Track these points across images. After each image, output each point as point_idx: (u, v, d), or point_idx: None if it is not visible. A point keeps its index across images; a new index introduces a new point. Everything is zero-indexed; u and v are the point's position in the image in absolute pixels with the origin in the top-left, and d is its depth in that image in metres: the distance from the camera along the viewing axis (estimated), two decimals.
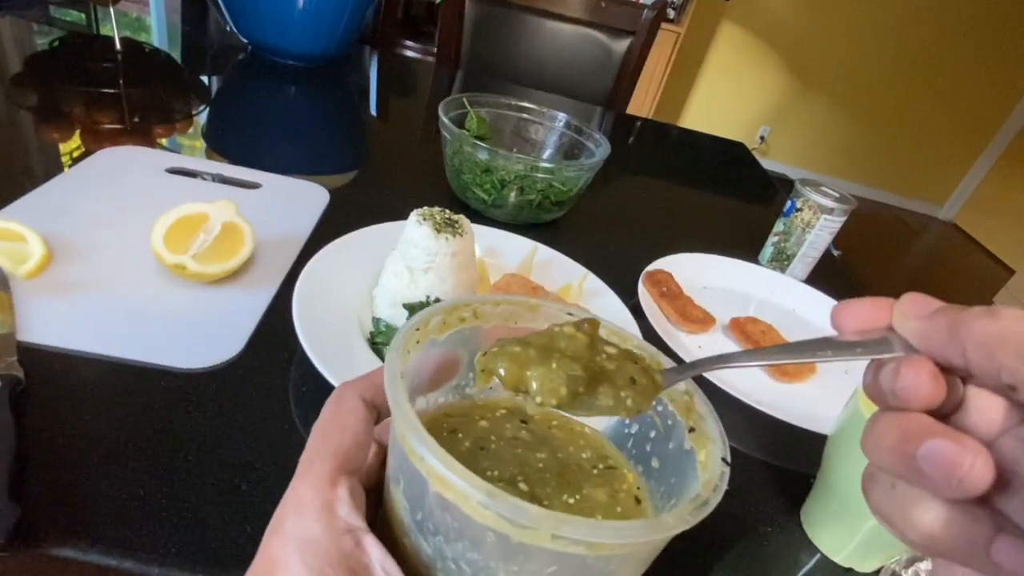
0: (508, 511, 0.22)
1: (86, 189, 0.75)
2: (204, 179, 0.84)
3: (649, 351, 0.33)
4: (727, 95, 4.40)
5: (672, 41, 3.47)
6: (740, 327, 0.81)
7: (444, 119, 0.91)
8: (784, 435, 0.67)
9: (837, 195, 0.97)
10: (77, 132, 0.91)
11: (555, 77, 1.88)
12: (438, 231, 0.58)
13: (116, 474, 0.46)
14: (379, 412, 0.31)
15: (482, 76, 1.80)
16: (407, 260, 0.60)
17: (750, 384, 0.73)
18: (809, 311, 0.92)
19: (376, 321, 0.60)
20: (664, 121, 1.86)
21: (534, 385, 0.27)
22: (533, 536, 0.23)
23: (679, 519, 0.24)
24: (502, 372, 0.28)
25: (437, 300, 0.59)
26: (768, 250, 1.03)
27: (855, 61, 4.19)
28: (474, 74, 1.79)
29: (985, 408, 0.21)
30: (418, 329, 0.31)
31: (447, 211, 0.62)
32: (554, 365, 0.28)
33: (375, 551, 0.26)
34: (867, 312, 0.25)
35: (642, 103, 3.63)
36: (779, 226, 1.02)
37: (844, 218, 0.97)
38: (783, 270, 1.02)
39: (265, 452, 0.50)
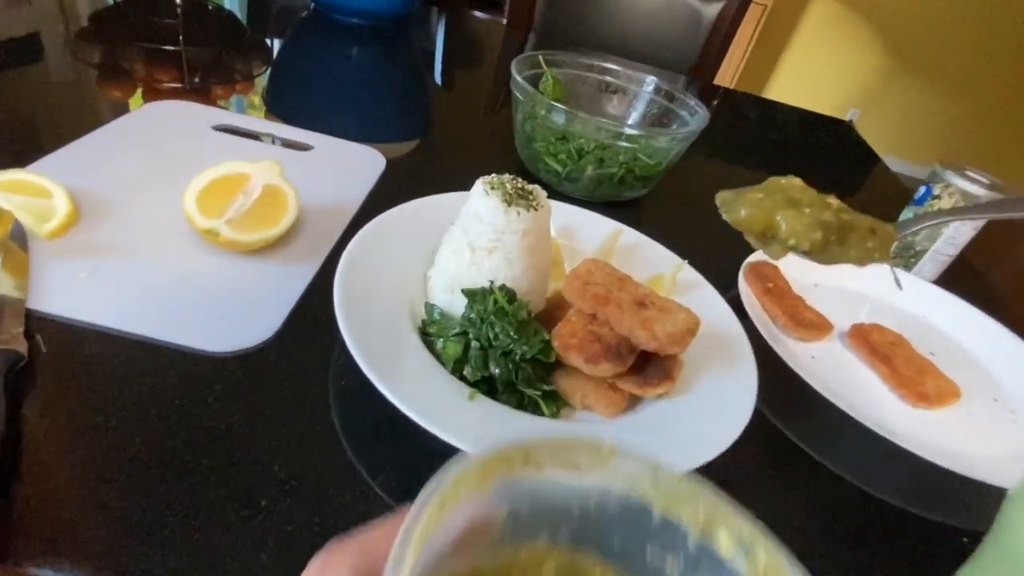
0: None
1: (125, 145, 0.69)
2: (252, 138, 0.77)
3: None
4: (814, 73, 4.04)
5: (759, 12, 3.20)
6: (864, 336, 0.66)
7: (517, 78, 0.80)
8: (923, 476, 0.54)
9: (987, 181, 0.80)
10: (139, 90, 0.85)
11: (636, 44, 1.72)
12: (508, 203, 0.48)
13: (116, 478, 0.38)
14: None
15: (556, 41, 1.66)
16: (469, 236, 0.50)
17: (882, 412, 0.59)
18: (943, 319, 0.76)
19: (430, 308, 0.51)
20: (736, 89, 1.67)
21: (784, 226, 0.27)
22: None
23: None
24: (745, 214, 0.27)
25: (503, 288, 0.49)
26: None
27: (959, 39, 3.74)
28: (547, 39, 1.66)
29: None
30: (442, 500, 0.19)
31: (520, 180, 0.51)
32: (806, 210, 0.27)
33: None
34: None
35: (722, 77, 3.38)
36: (907, 215, 0.85)
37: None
38: (909, 268, 0.86)
39: (294, 459, 0.42)
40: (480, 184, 0.50)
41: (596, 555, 0.22)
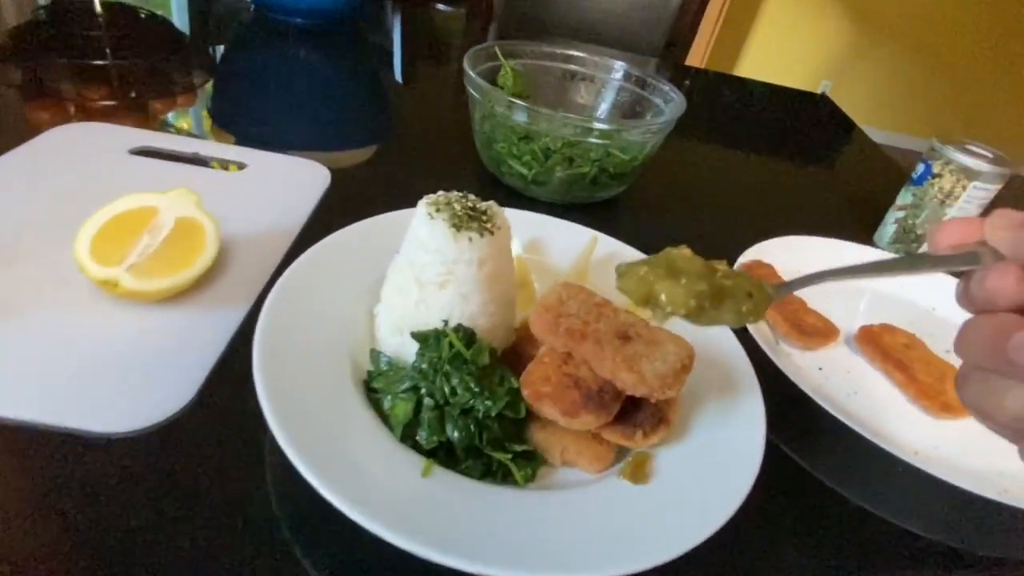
0: None
1: (18, 177, 0.60)
2: (175, 160, 0.68)
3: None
4: (784, 48, 3.98)
5: None
6: (873, 339, 0.60)
7: (471, 73, 0.71)
8: (963, 504, 0.47)
9: (990, 155, 0.73)
10: (64, 111, 0.76)
11: (604, 29, 1.64)
12: (458, 228, 0.40)
13: None
14: None
15: (519, 31, 1.58)
16: (415, 268, 0.42)
17: (904, 429, 0.53)
18: (953, 310, 0.69)
19: (375, 355, 0.43)
20: (708, 69, 1.60)
21: (663, 297, 0.32)
22: None
23: None
24: (628, 286, 0.33)
25: (459, 328, 0.41)
26: (889, 229, 0.81)
27: (926, 5, 3.72)
28: (510, 29, 1.57)
29: None
30: None
31: (470, 196, 0.43)
32: (683, 281, 0.33)
33: None
34: (960, 230, 0.29)
35: (692, 59, 3.31)
36: (905, 197, 0.79)
37: (999, 186, 0.73)
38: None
39: (218, 572, 0.34)
40: (423, 206, 0.42)
41: None
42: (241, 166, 0.69)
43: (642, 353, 0.39)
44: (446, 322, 0.41)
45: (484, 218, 0.41)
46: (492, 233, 0.41)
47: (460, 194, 0.43)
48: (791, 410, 0.50)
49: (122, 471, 0.37)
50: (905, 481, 0.49)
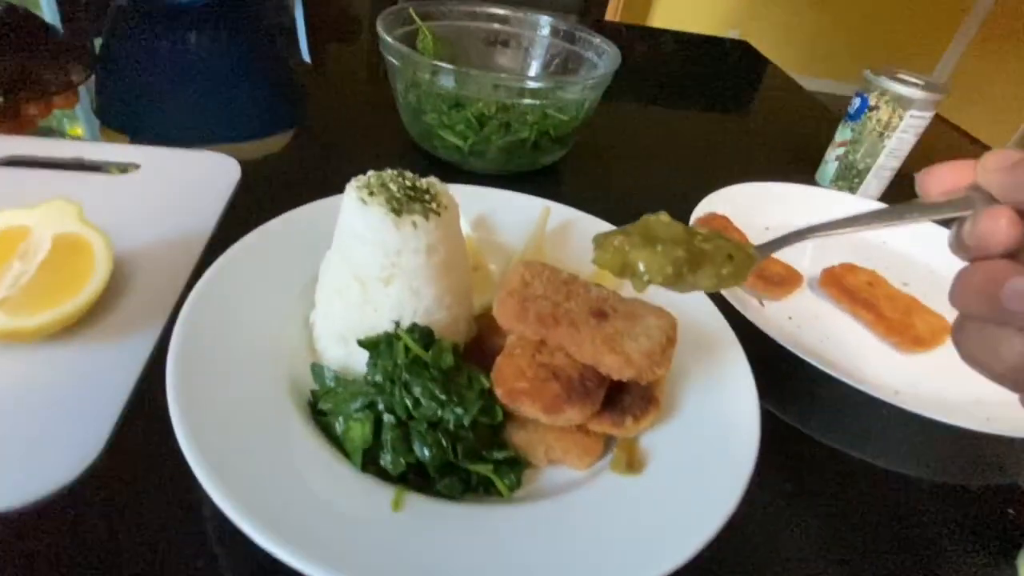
0: None
1: None
2: (54, 168, 0.58)
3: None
4: (691, 1, 4.04)
5: None
6: (837, 280, 0.58)
7: (387, 38, 0.64)
8: (949, 438, 0.47)
9: (921, 81, 0.73)
10: None
11: None
12: (398, 212, 0.34)
13: None
14: None
15: None
16: (353, 265, 0.36)
17: (879, 368, 0.51)
18: (905, 241, 0.70)
19: (318, 371, 0.37)
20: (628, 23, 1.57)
21: (640, 266, 0.31)
22: None
23: None
24: (604, 258, 0.31)
25: (413, 328, 0.35)
26: (830, 167, 0.80)
27: None
28: None
29: None
30: None
31: (406, 174, 0.37)
32: (659, 248, 0.31)
33: None
34: (950, 174, 0.28)
35: (606, 12, 3.28)
36: (844, 133, 0.78)
37: (932, 112, 0.73)
38: (853, 190, 0.79)
39: None
40: (352, 191, 0.36)
41: None
42: (134, 167, 0.59)
43: (622, 330, 0.35)
44: (397, 323, 0.36)
45: (427, 197, 0.35)
46: (438, 214, 0.35)
47: (394, 172, 0.37)
48: (767, 364, 0.48)
49: (22, 554, 0.30)
50: (892, 423, 0.47)
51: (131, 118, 0.74)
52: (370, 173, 0.37)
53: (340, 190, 0.50)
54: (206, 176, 0.60)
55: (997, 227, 0.25)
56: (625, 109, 0.98)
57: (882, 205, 0.74)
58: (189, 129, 0.72)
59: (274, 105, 0.86)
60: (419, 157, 0.71)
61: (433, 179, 0.38)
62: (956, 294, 0.27)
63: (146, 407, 0.37)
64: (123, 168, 0.59)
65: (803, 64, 4.30)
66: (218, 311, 0.38)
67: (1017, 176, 0.25)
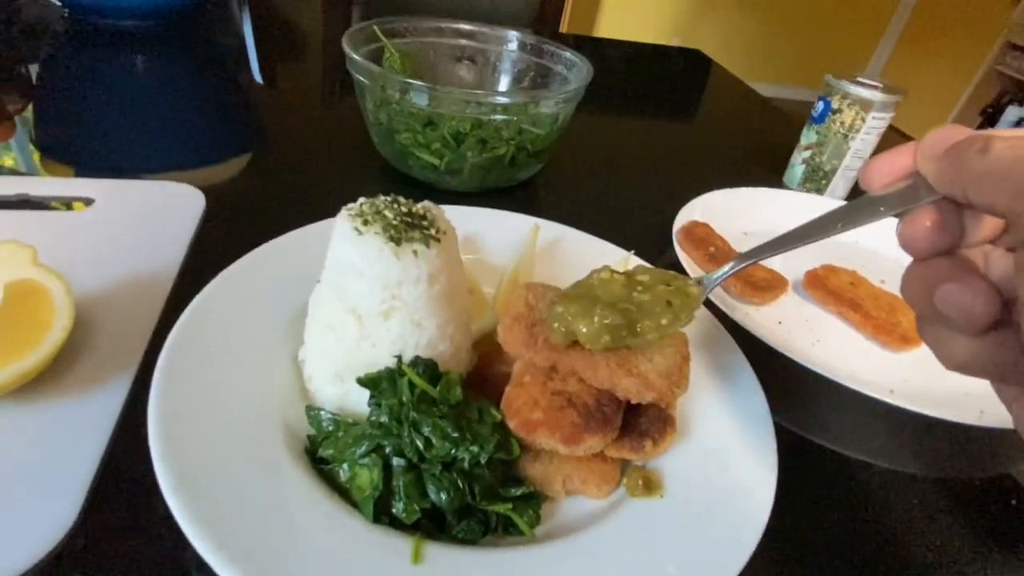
0: None
1: None
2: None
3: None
4: (635, 9, 4.15)
5: None
6: (820, 283, 0.59)
7: (355, 56, 0.62)
8: (944, 434, 0.47)
9: (880, 84, 0.75)
10: None
11: (469, 4, 1.57)
12: (397, 241, 0.32)
13: None
14: None
15: (382, 13, 1.47)
16: (349, 300, 0.34)
17: (874, 370, 0.52)
18: (876, 239, 0.71)
19: (314, 416, 0.34)
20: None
21: (583, 337, 0.32)
22: None
23: None
24: (554, 332, 0.32)
25: (417, 362, 0.33)
26: (797, 170, 0.82)
27: None
28: (371, 11, 1.45)
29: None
30: None
31: (400, 200, 0.35)
32: (595, 318, 0.32)
33: None
34: (888, 165, 0.26)
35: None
36: (809, 136, 0.80)
37: (892, 113, 0.76)
38: (821, 192, 0.81)
39: None
40: (344, 220, 0.33)
41: None
42: (87, 202, 0.55)
43: (635, 352, 0.34)
44: (399, 358, 0.33)
45: (425, 223, 0.34)
46: (438, 240, 0.33)
47: (388, 198, 0.35)
48: (762, 369, 0.47)
49: None
50: (890, 422, 0.48)
51: (76, 148, 0.69)
52: (362, 201, 0.35)
53: (310, 215, 0.48)
54: (168, 208, 0.56)
55: (916, 233, 0.25)
56: (590, 120, 0.99)
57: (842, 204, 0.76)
58: (140, 158, 0.68)
59: (231, 129, 0.82)
60: (390, 176, 0.69)
61: (428, 203, 0.36)
62: (903, 293, 0.27)
63: (121, 468, 0.34)
64: (75, 204, 0.55)
65: (742, 69, 4.45)
66: (199, 356, 0.35)
67: (947, 166, 0.23)
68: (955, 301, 0.24)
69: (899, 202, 0.25)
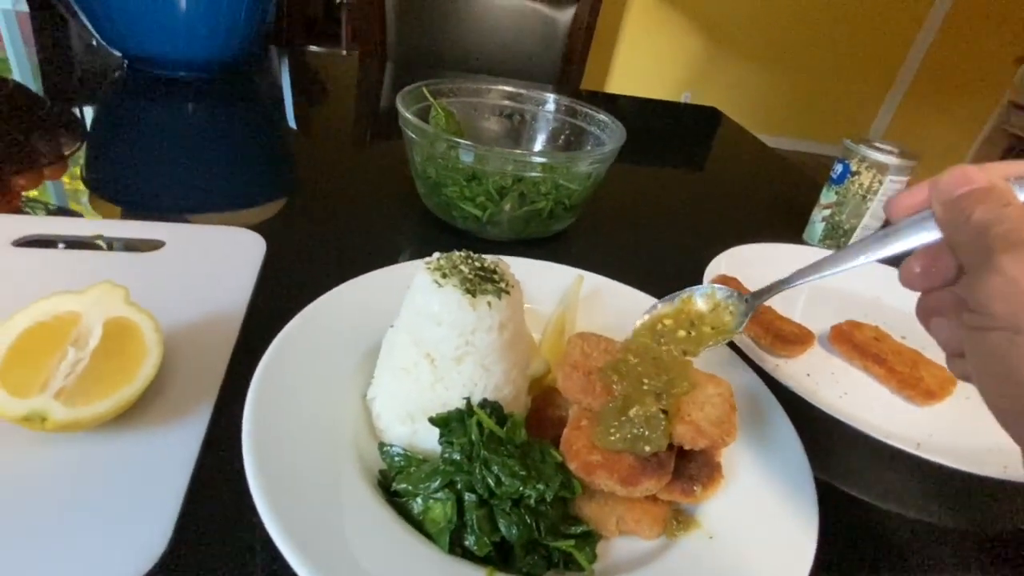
0: None
1: None
2: (75, 247, 0.58)
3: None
4: (646, 64, 4.29)
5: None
6: (846, 338, 0.62)
7: (407, 115, 0.67)
8: (971, 488, 0.49)
9: (896, 149, 0.80)
10: None
11: (495, 58, 1.65)
12: (473, 294, 0.36)
13: None
14: None
15: (413, 66, 1.55)
16: (425, 345, 0.37)
17: (901, 423, 0.54)
18: (895, 296, 0.74)
19: (387, 452, 0.37)
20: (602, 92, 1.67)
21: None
22: None
23: None
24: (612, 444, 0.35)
25: (485, 404, 0.36)
26: (817, 227, 0.86)
27: (762, 14, 4.15)
28: (404, 66, 1.54)
29: None
30: None
31: (473, 255, 0.39)
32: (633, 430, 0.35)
33: None
34: (910, 198, 0.30)
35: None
36: (829, 196, 0.84)
37: (909, 176, 0.80)
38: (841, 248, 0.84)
39: None
40: (425, 274, 0.37)
41: None
42: (158, 245, 0.60)
43: (688, 400, 0.37)
44: (468, 399, 0.36)
45: (496, 277, 0.37)
46: (508, 292, 0.37)
47: (463, 254, 0.38)
48: (794, 423, 0.50)
49: None
50: (916, 474, 0.50)
51: (117, 193, 0.73)
52: (437, 255, 0.38)
53: (366, 264, 0.52)
54: (233, 252, 0.60)
55: (909, 276, 0.30)
56: (619, 175, 1.03)
57: (882, 269, 0.79)
58: (187, 202, 0.73)
59: (274, 174, 0.87)
60: (432, 224, 0.73)
61: (500, 260, 0.39)
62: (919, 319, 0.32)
63: (208, 492, 0.37)
64: (150, 246, 0.59)
65: (749, 122, 4.58)
66: (282, 392, 0.38)
67: (951, 215, 0.27)
68: (938, 333, 0.29)
69: (912, 236, 0.29)
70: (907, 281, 0.30)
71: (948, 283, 0.29)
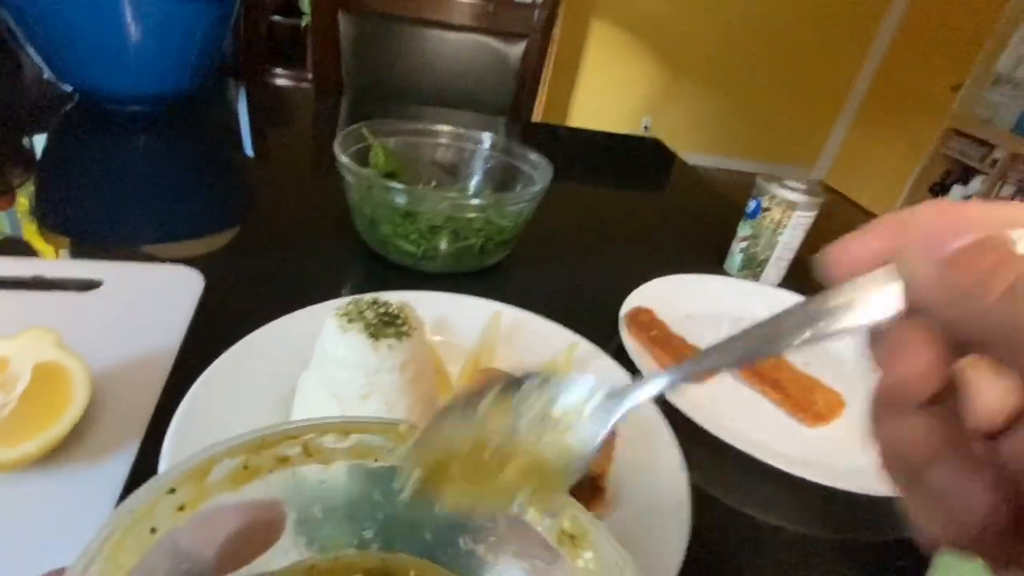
0: None
1: None
2: (12, 288, 0.59)
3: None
4: (607, 92, 4.43)
5: (551, 47, 3.43)
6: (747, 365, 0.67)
7: (343, 158, 0.71)
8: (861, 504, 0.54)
9: (803, 186, 0.87)
10: None
11: (450, 90, 1.71)
12: (375, 337, 0.39)
13: None
14: None
15: (370, 99, 1.59)
16: (332, 385, 0.40)
17: (786, 443, 0.59)
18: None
19: None
20: (552, 123, 1.74)
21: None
22: None
23: None
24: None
25: None
26: (736, 258, 0.92)
27: (718, 43, 4.34)
28: (361, 97, 1.58)
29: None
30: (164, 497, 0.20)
31: (379, 300, 0.43)
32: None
33: None
34: (860, 248, 0.20)
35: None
36: (745, 229, 0.90)
37: (816, 212, 0.87)
38: (756, 278, 0.91)
39: None
40: (334, 321, 0.41)
41: (411, 553, 0.24)
42: (95, 285, 0.62)
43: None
44: None
45: (399, 322, 0.41)
46: (409, 335, 0.41)
47: (370, 299, 0.42)
48: (701, 450, 0.54)
49: None
50: (798, 490, 0.55)
51: (72, 220, 0.76)
52: (349, 300, 0.42)
53: (298, 294, 0.56)
54: (169, 289, 0.63)
55: (916, 372, 0.18)
56: (557, 205, 1.09)
57: (793, 297, 0.85)
58: (132, 238, 0.75)
59: (224, 205, 0.90)
60: (370, 257, 0.76)
61: (405, 303, 0.43)
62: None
63: None
64: (88, 285, 0.61)
65: (708, 144, 4.76)
66: (201, 435, 0.41)
67: (957, 285, 0.16)
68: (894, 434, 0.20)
69: (865, 313, 0.19)
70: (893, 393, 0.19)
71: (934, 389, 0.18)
